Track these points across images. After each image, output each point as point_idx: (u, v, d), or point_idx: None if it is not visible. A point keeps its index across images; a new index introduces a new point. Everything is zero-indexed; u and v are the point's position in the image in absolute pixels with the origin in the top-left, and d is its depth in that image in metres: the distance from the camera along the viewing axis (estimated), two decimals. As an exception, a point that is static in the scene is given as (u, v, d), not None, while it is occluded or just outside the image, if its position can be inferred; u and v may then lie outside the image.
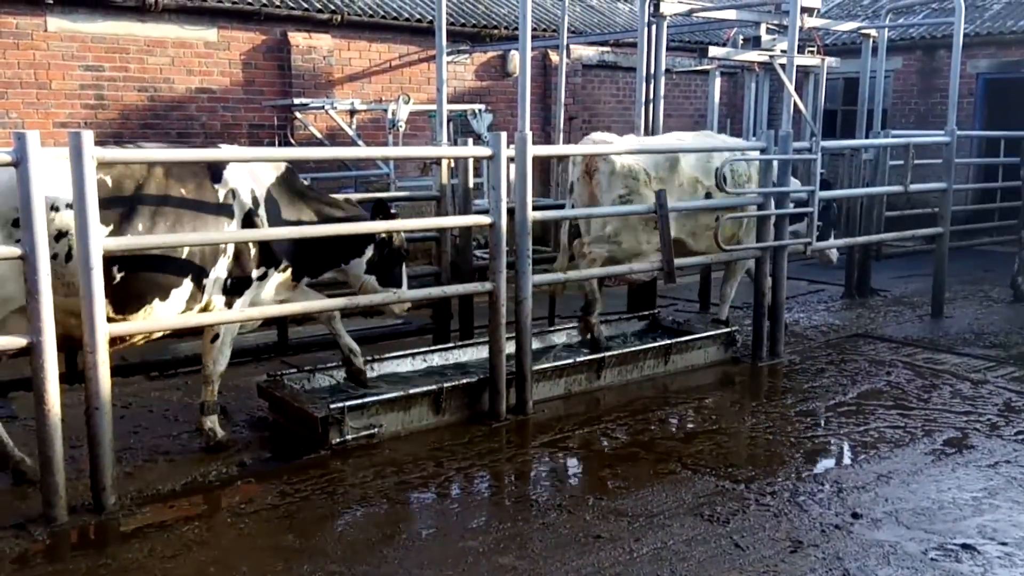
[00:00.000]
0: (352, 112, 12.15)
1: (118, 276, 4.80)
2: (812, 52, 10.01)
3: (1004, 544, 4.36)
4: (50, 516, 4.46)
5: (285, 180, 5.61)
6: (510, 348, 6.17)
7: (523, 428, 6.00)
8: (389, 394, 5.84)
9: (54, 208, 4.63)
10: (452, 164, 7.62)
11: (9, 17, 10.86)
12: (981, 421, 6.11)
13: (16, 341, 4.34)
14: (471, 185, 7.26)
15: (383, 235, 5.87)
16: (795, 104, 7.49)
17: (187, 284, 5.12)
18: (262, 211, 5.41)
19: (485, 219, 6.01)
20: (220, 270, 5.25)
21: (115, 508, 4.63)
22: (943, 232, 9.30)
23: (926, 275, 9.88)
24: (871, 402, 6.55)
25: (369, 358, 6.62)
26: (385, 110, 11.93)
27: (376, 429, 5.65)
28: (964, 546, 4.33)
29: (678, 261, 7.03)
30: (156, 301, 5.02)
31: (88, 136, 4.33)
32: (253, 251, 5.38)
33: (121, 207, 4.84)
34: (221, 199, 5.24)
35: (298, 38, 12.85)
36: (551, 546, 4.33)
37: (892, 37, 14.99)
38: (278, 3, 12.58)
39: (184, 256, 5.06)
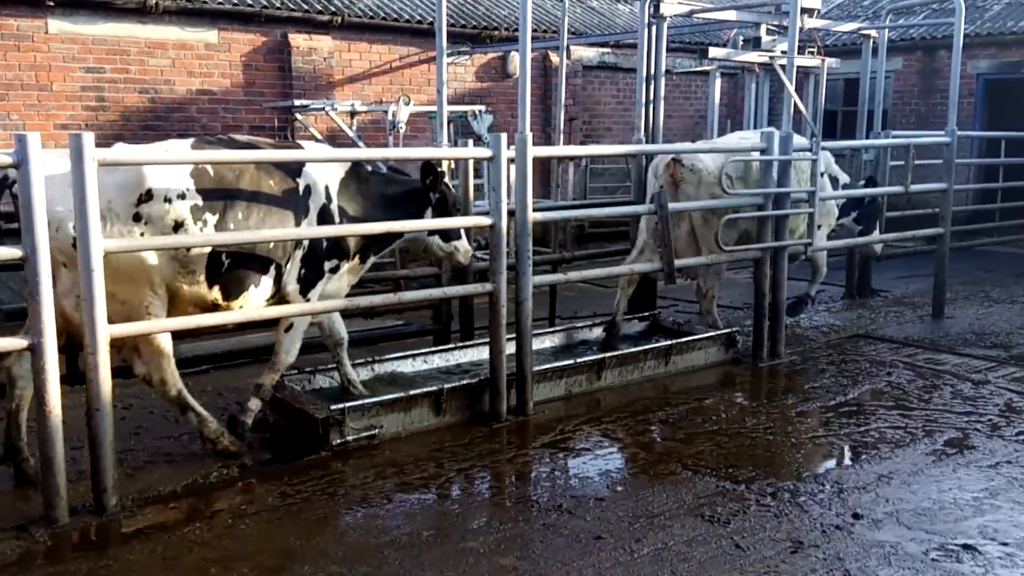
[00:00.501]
0: (352, 113, 12.16)
1: (225, 263, 5.16)
2: (812, 53, 10.02)
3: (1005, 544, 4.36)
4: (51, 517, 4.46)
5: (352, 173, 5.80)
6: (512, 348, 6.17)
7: (524, 429, 6.00)
8: (390, 395, 5.84)
9: (167, 200, 4.91)
10: (452, 165, 7.62)
11: (10, 19, 10.88)
12: (982, 421, 6.11)
13: (17, 342, 4.35)
14: (471, 186, 7.26)
15: (438, 195, 6.05)
16: (795, 105, 7.49)
17: (272, 273, 5.41)
18: (334, 206, 5.64)
19: (485, 220, 6.01)
20: (296, 261, 5.49)
21: (116, 509, 4.63)
22: (944, 232, 9.30)
23: (927, 275, 9.88)
24: (872, 402, 6.55)
25: (369, 359, 6.65)
26: (385, 111, 11.94)
27: (377, 430, 5.65)
28: (965, 546, 4.33)
29: (679, 262, 7.05)
30: (252, 288, 5.34)
31: (89, 138, 4.33)
32: (325, 244, 5.60)
33: (222, 196, 5.12)
34: (300, 192, 5.48)
35: (298, 39, 12.86)
36: (552, 547, 4.34)
37: (892, 38, 15.00)
38: (278, 5, 12.59)
39: (271, 247, 5.32)
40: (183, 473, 5.16)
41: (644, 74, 8.40)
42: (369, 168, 6.08)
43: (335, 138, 12.53)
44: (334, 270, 5.70)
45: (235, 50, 12.48)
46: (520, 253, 6.02)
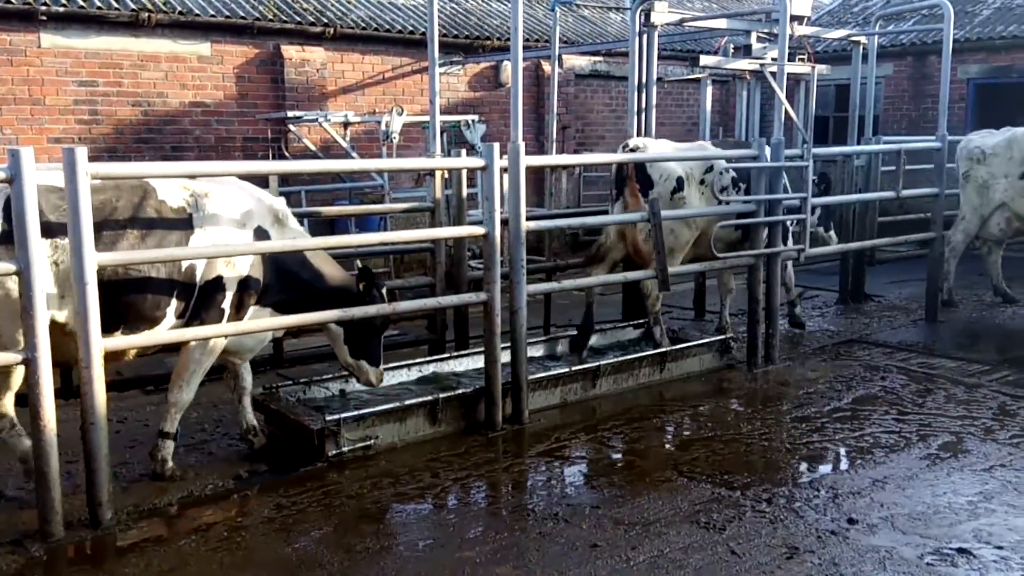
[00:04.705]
0: (346, 124, 12.18)
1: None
2: (803, 60, 10.06)
3: (1000, 548, 4.37)
4: (46, 531, 4.45)
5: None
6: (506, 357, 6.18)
7: (519, 438, 6.01)
8: (385, 406, 5.84)
9: (720, 173, 7.29)
10: (446, 175, 7.64)
11: (3, 34, 10.89)
12: (976, 425, 6.13)
13: (11, 357, 4.34)
14: (465, 196, 7.27)
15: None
16: (786, 111, 7.52)
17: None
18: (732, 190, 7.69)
19: (479, 230, 6.02)
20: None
21: (111, 523, 4.62)
22: (936, 237, 9.33)
23: (920, 280, 9.92)
24: (866, 407, 6.57)
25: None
26: (379, 122, 11.97)
27: (372, 440, 5.65)
28: (960, 550, 4.35)
29: (674, 269, 7.07)
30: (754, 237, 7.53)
31: (82, 152, 4.33)
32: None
33: (737, 175, 7.47)
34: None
35: (291, 51, 12.89)
36: (548, 556, 4.34)
37: (883, 44, 15.07)
38: (271, 17, 12.62)
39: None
40: (178, 486, 5.15)
41: (636, 82, 8.44)
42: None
43: (328, 149, 12.56)
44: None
45: (228, 62, 12.50)
46: (514, 262, 6.03)
